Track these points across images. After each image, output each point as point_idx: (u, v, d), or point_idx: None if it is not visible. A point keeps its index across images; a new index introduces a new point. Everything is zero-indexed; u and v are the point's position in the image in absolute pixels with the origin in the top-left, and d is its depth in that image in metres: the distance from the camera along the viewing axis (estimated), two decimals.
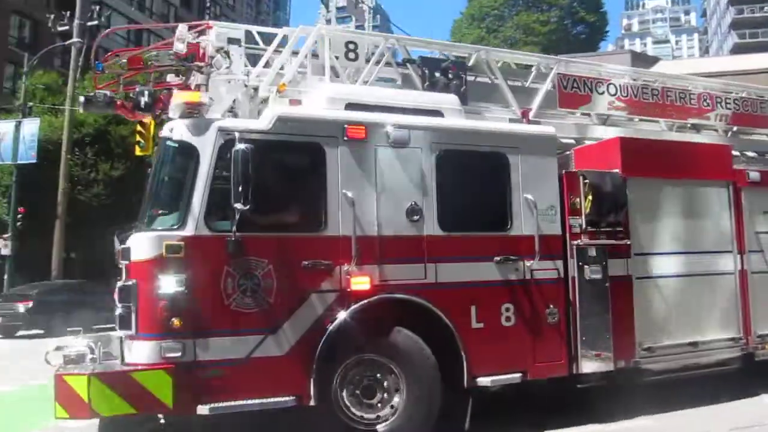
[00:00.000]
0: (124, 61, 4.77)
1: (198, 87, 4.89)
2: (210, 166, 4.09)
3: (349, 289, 4.39)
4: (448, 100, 5.26)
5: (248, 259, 4.16)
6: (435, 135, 4.85)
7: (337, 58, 5.53)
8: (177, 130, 4.20)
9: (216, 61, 4.83)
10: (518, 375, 5.27)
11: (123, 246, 4.18)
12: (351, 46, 5.53)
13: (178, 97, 4.27)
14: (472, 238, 4.84)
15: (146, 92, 4.61)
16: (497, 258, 5.20)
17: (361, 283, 4.41)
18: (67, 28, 19.83)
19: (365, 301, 4.41)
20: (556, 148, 5.66)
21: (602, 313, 5.28)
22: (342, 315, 4.36)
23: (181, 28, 4.74)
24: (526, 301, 5.01)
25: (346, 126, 4.54)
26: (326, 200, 4.39)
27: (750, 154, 7.27)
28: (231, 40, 5.13)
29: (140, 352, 3.88)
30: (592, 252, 5.29)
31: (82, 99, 4.65)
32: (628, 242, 5.44)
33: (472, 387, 4.71)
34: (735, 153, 6.95)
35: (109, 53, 5.11)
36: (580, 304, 5.21)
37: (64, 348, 4.14)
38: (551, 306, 5.07)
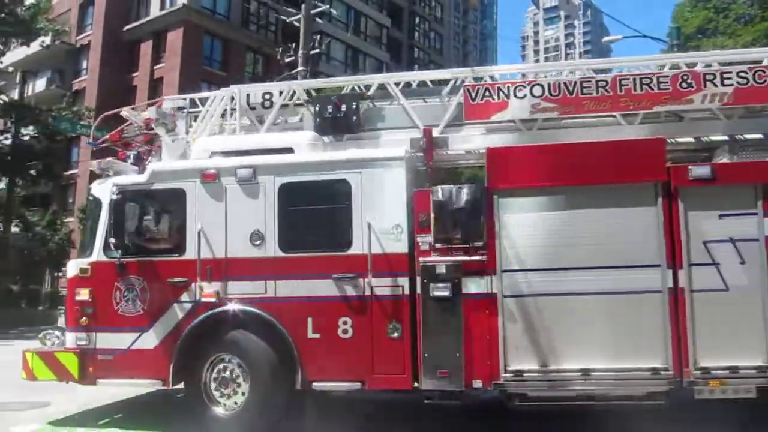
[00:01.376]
0: (107, 137, 7.20)
1: (156, 147, 6.97)
2: (106, 212, 6.16)
3: (201, 301, 6.04)
4: (300, 138, 6.38)
5: (130, 277, 6.17)
6: (277, 170, 6.10)
7: (253, 109, 7.03)
8: (93, 188, 6.43)
9: (158, 128, 6.92)
10: (357, 384, 5.81)
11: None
12: (267, 96, 7.03)
13: (93, 165, 6.48)
14: (310, 258, 5.93)
15: (132, 154, 6.86)
16: (335, 275, 5.74)
17: (209, 296, 6.00)
18: (293, 58, 22.07)
19: (212, 310, 6.01)
20: (405, 167, 6.01)
21: (451, 331, 5.69)
22: (194, 321, 6.04)
23: (126, 111, 7.00)
24: (365, 315, 5.86)
25: (201, 172, 6.19)
26: (185, 231, 6.11)
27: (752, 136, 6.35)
28: (179, 108, 7.15)
29: (67, 339, 6.21)
30: (441, 269, 5.72)
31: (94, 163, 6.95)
32: (485, 258, 5.67)
33: (307, 390, 5.83)
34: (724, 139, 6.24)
35: (102, 139, 7.46)
36: (424, 321, 5.77)
37: (46, 335, 6.71)
38: (394, 321, 5.78)
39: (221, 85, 36.37)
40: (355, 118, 6.30)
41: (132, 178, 5.98)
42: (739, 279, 5.05)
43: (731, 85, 5.75)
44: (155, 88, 34.91)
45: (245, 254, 5.65)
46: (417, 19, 52.19)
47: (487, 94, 6.07)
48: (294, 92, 6.60)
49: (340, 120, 6.20)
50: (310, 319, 5.51)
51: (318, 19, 22.73)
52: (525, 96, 6.00)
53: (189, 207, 5.78)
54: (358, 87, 6.54)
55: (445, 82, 6.56)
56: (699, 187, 5.13)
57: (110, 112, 6.83)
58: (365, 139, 6.18)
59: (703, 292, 5.09)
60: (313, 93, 6.66)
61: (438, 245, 5.39)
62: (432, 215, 5.33)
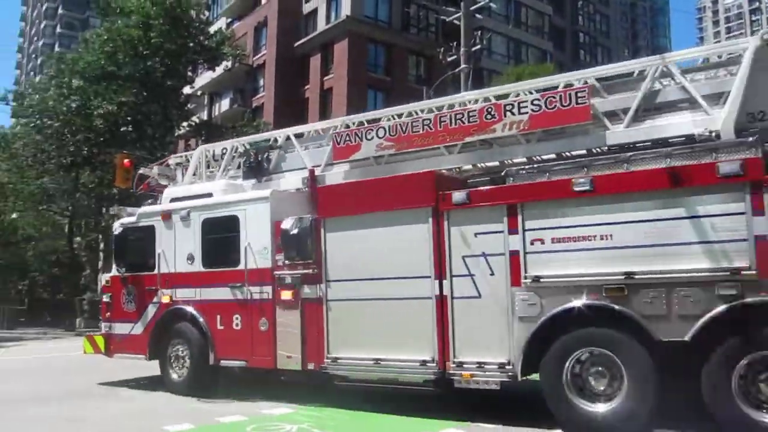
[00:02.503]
0: (141, 187, 11.02)
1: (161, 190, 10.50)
2: (114, 241, 9.90)
3: (161, 302, 9.54)
4: (216, 186, 9.43)
5: (128, 286, 9.90)
6: (200, 209, 9.28)
7: (216, 161, 9.81)
8: (114, 226, 10.23)
9: (161, 180, 10.57)
10: (243, 362, 8.07)
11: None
12: (223, 150, 10.19)
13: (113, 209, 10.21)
14: (218, 272, 8.98)
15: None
16: (230, 284, 8.17)
17: (165, 298, 9.43)
18: (455, 57, 21.64)
19: (167, 309, 9.47)
20: (270, 204, 8.23)
21: (295, 326, 8.34)
22: (159, 316, 9.56)
23: (142, 170, 10.78)
24: (247, 314, 8.69)
25: (161, 213, 9.69)
26: (155, 254, 9.67)
27: (545, 157, 7.19)
28: (177, 164, 10.76)
29: (101, 327, 10.12)
30: (288, 279, 8.39)
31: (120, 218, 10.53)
32: (315, 271, 8.17)
33: (217, 364, 8.44)
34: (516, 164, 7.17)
35: (142, 186, 11.28)
36: (278, 319, 8.48)
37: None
38: (263, 318, 8.59)
39: (387, 90, 38.38)
40: (265, 165, 8.81)
41: (129, 218, 9.30)
42: (489, 288, 6.46)
43: (527, 113, 7.05)
44: (325, 98, 37.65)
45: (184, 270, 8.57)
46: (580, 3, 49.91)
47: (347, 138, 8.13)
48: (237, 147, 9.21)
49: (255, 167, 8.79)
50: (218, 316, 8.19)
51: (477, 15, 22.66)
52: (372, 138, 7.92)
53: (156, 237, 8.92)
54: (274, 139, 8.95)
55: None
56: (459, 209, 6.62)
57: (142, 170, 10.27)
58: (274, 180, 8.60)
59: (461, 299, 6.59)
60: (248, 146, 9.23)
61: (287, 262, 7.70)
62: (281, 240, 7.45)
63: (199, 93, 40.36)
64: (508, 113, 6.78)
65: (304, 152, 8.32)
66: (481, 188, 6.26)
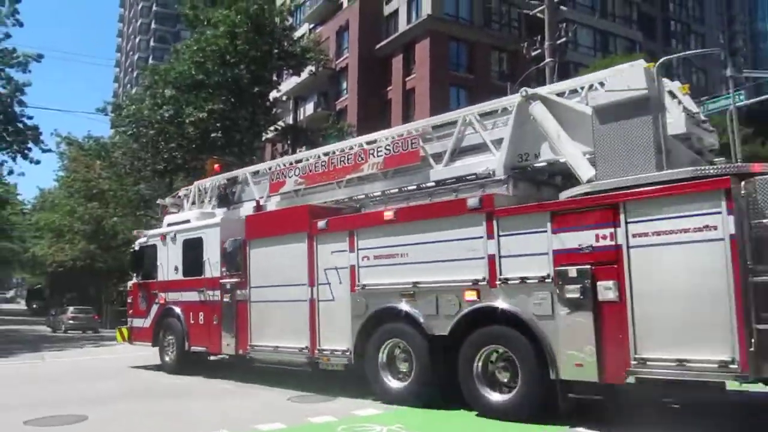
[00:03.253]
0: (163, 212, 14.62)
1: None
2: (134, 256, 13.20)
3: (160, 302, 13.03)
4: (192, 214, 12.73)
5: (142, 290, 13.56)
6: (181, 232, 12.61)
7: (206, 193, 12.81)
8: (134, 244, 13.83)
9: (172, 209, 14.11)
10: (204, 348, 10.93)
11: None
12: (210, 185, 13.26)
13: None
14: (191, 280, 12.28)
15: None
16: (197, 289, 11.57)
17: (161, 299, 12.92)
18: (539, 51, 20.93)
19: (163, 308, 12.92)
20: (219, 228, 11.05)
21: (231, 321, 11.45)
22: (157, 313, 13.05)
23: (159, 200, 14.41)
24: (208, 312, 11.91)
25: (159, 235, 13.20)
26: (157, 267, 13.20)
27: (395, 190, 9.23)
28: (184, 195, 14.27)
29: (128, 322, 13.73)
30: (227, 286, 11.50)
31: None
32: (243, 280, 11.16)
33: (191, 351, 11.50)
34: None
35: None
36: (223, 315, 11.60)
37: None
38: (215, 315, 11.77)
39: (470, 88, 39.06)
40: (230, 197, 11.88)
41: (142, 239, 12.76)
42: (339, 293, 8.98)
43: (382, 155, 9.49)
44: (408, 99, 37.76)
45: (173, 278, 11.82)
46: None
47: (278, 176, 11.00)
48: (218, 182, 12.23)
49: (224, 198, 11.91)
50: (191, 313, 11.36)
51: (562, 7, 21.99)
52: (292, 176, 10.73)
53: (158, 253, 12.33)
54: (239, 177, 11.87)
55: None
56: (322, 234, 9.21)
57: (160, 201, 13.78)
58: (239, 208, 11.51)
59: (323, 302, 9.17)
60: (225, 182, 12.29)
61: (227, 272, 10.71)
62: (223, 256, 10.34)
63: (284, 98, 41.53)
64: (371, 156, 9.05)
65: (255, 186, 11.08)
66: (334, 217, 8.57)
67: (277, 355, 9.05)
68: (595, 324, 5.90)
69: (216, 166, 14.65)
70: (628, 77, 6.02)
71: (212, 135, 30.60)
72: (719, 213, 5.28)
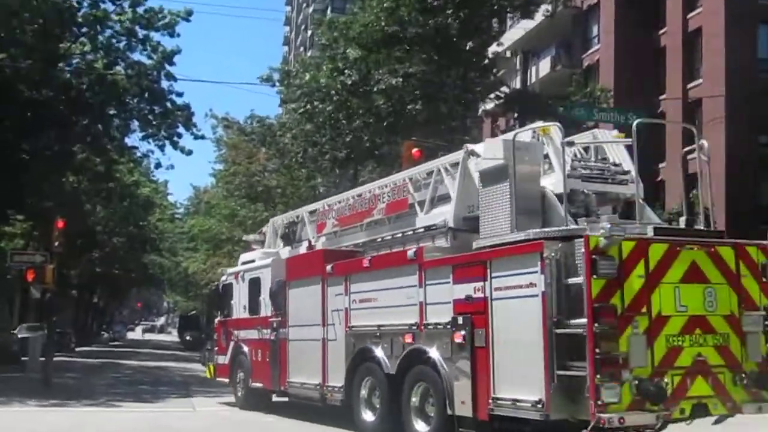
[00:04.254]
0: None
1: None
2: (216, 294, 21.07)
3: (233, 340, 20.11)
4: (257, 254, 19.62)
5: (223, 327, 20.87)
6: (247, 272, 19.63)
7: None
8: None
9: (255, 245, 21.21)
10: (260, 384, 18.11)
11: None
12: (283, 221, 20.26)
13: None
14: (253, 318, 19.14)
15: None
16: (257, 327, 18.04)
17: (234, 337, 20.05)
18: None
19: (236, 345, 19.91)
20: (270, 268, 17.43)
21: (276, 358, 17.99)
22: (232, 350, 20.15)
23: (245, 237, 21.67)
24: (264, 349, 18.57)
25: (233, 274, 20.34)
26: (233, 305, 20.32)
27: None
28: (265, 232, 21.28)
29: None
30: (274, 325, 18.00)
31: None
32: (283, 319, 17.65)
33: (252, 387, 18.54)
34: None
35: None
36: (271, 352, 18.15)
37: None
38: (268, 352, 18.46)
39: None
40: (291, 236, 18.36)
41: (224, 277, 19.96)
42: (339, 333, 14.80)
43: (385, 200, 15.12)
44: (691, 44, 38.33)
45: (243, 316, 18.77)
46: None
47: (320, 218, 17.18)
48: (283, 221, 19.17)
49: (287, 237, 18.45)
50: (253, 351, 18.13)
51: None
52: (330, 218, 16.84)
53: (233, 291, 19.38)
54: (299, 215, 18.36)
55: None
56: (329, 278, 15.16)
57: (248, 238, 21.02)
58: (299, 247, 17.93)
59: (330, 341, 15.04)
60: (289, 221, 18.89)
61: (273, 311, 17.13)
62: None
63: (508, 53, 41.13)
64: (379, 201, 14.59)
65: (309, 226, 17.18)
66: (337, 262, 14.20)
67: (303, 391, 14.83)
68: (471, 366, 10.58)
69: (415, 151, 18.73)
70: (493, 147, 10.45)
71: (409, 107, 31.36)
72: (536, 272, 9.54)
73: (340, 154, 34.54)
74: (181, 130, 36.18)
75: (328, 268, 14.84)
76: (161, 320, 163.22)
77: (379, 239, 14.90)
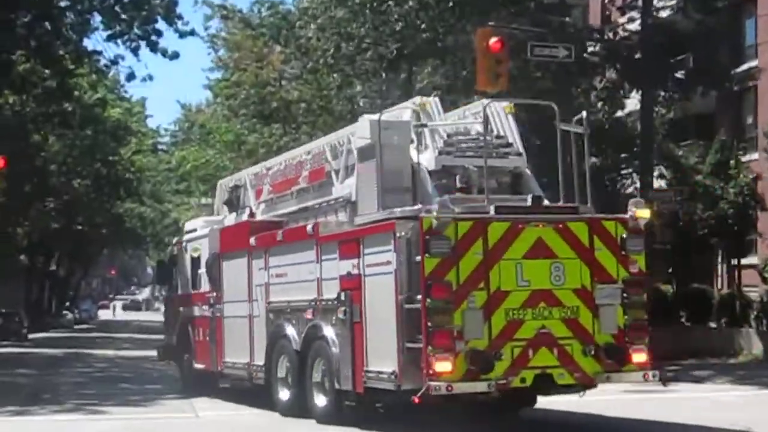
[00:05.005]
0: None
1: None
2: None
3: (182, 317, 24.76)
4: (199, 222, 24.25)
5: (170, 304, 25.57)
6: (188, 242, 24.15)
7: None
8: None
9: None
10: (204, 367, 22.74)
11: None
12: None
13: None
14: (194, 294, 23.75)
15: None
16: (196, 304, 23.61)
17: (183, 314, 24.69)
18: None
19: (181, 323, 24.62)
20: (208, 239, 22.03)
21: (213, 337, 22.50)
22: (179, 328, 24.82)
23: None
24: (203, 328, 23.29)
25: (176, 243, 24.90)
26: (179, 280, 24.94)
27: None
28: None
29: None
30: (210, 301, 22.64)
31: None
32: (218, 295, 22.17)
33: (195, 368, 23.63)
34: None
35: None
36: (210, 331, 22.75)
37: None
38: (207, 331, 23.03)
39: None
40: (234, 202, 22.78)
41: (169, 248, 24.77)
42: (261, 310, 19.31)
43: (308, 168, 19.32)
44: None
45: (185, 291, 23.39)
46: None
47: (257, 182, 21.57)
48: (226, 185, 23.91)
49: (230, 203, 22.93)
50: (195, 330, 22.71)
51: None
52: (266, 183, 21.20)
53: (178, 264, 24.09)
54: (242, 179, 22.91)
55: None
56: (254, 250, 19.65)
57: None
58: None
59: (255, 318, 19.63)
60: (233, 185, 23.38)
61: (210, 286, 21.64)
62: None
63: None
64: (303, 169, 18.76)
65: (250, 191, 21.46)
66: (259, 235, 18.49)
67: (235, 371, 19.31)
68: (351, 341, 14.99)
69: (493, 42, 19.33)
70: (363, 126, 14.35)
71: None
72: (390, 251, 13.56)
73: (387, 50, 33.53)
74: (160, 25, 35.43)
75: (251, 240, 19.15)
76: (145, 293, 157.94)
77: (305, 209, 18.93)
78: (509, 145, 16.17)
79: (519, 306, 13.92)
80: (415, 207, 14.59)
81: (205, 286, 22.01)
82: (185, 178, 67.98)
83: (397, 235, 14.12)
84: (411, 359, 13.91)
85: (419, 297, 13.78)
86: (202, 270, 22.15)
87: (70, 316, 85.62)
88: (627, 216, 14.55)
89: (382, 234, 14.60)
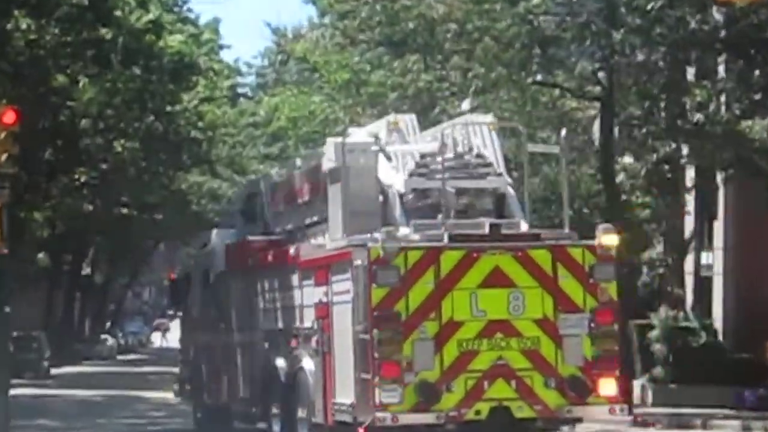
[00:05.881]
0: None
1: None
2: None
3: None
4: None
5: None
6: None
7: None
8: None
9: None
10: None
11: None
12: None
13: None
14: None
15: None
16: None
17: None
18: None
19: None
20: None
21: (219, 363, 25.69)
22: None
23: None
24: None
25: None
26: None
27: None
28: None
29: None
30: None
31: None
32: None
33: None
34: None
35: None
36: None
37: None
38: None
39: None
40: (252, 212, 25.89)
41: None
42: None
43: (307, 182, 22.33)
44: None
45: None
46: None
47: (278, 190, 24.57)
48: None
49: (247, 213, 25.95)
50: None
51: None
52: (279, 193, 24.15)
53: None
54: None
55: None
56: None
57: None
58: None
59: None
60: None
61: None
62: None
63: None
64: (305, 181, 21.68)
65: (267, 201, 24.52)
66: (257, 255, 22.03)
67: (239, 407, 22.41)
68: (322, 372, 17.73)
69: None
70: (330, 148, 17.03)
71: None
72: (349, 279, 16.21)
73: None
74: None
75: (250, 261, 22.15)
76: None
77: (309, 224, 22.14)
78: (488, 164, 19.19)
79: (473, 336, 17.35)
80: (375, 234, 17.25)
81: (213, 309, 24.71)
82: (279, 136, 58.75)
83: (354, 263, 17.63)
84: (364, 391, 17.45)
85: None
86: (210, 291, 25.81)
87: (111, 341, 74.03)
88: (594, 243, 16.78)
89: (342, 262, 19.05)
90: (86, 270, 68.45)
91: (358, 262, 15.78)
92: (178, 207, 62.04)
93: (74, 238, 60.55)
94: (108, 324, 78.99)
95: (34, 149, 37.18)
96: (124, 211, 56.63)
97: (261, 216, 24.38)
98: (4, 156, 21.05)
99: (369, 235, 16.12)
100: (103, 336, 72.56)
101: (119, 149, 48.28)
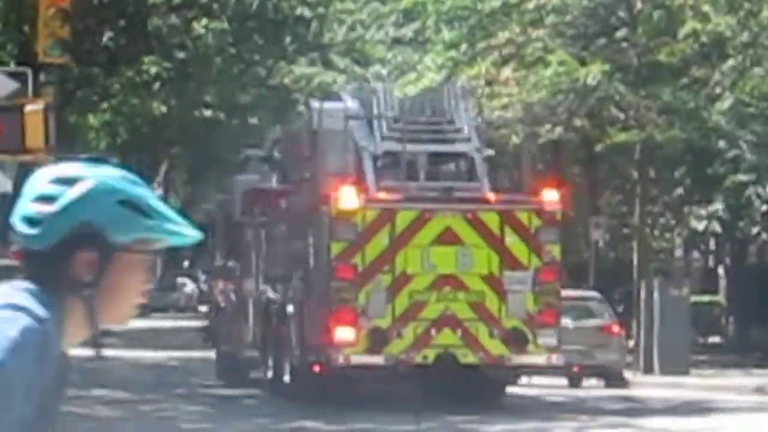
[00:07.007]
0: None
1: None
2: None
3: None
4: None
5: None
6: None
7: None
8: None
9: None
10: None
11: None
12: None
13: None
14: None
15: None
16: None
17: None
18: None
19: None
20: None
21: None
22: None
23: None
24: None
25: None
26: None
27: None
28: None
29: None
30: None
31: None
32: None
33: None
34: None
35: None
36: None
37: None
38: None
39: None
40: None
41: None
42: None
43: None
44: None
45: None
46: None
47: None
48: None
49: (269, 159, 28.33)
50: None
51: None
52: None
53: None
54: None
55: None
56: None
57: None
58: None
59: None
60: None
61: None
62: None
63: None
64: None
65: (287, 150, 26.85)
66: (263, 202, 23.73)
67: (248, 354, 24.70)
68: (301, 317, 19.42)
69: None
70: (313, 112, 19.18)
71: None
72: (317, 234, 18.36)
73: None
74: None
75: (257, 208, 24.35)
76: None
77: (305, 179, 24.10)
78: (458, 130, 20.41)
79: (424, 288, 19.19)
80: (339, 193, 19.50)
81: (231, 257, 26.53)
82: (413, 14, 43.99)
83: (319, 219, 18.86)
84: (322, 333, 19.09)
85: None
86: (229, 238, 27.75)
87: (190, 287, 64.00)
88: (541, 206, 18.81)
89: (312, 216, 19.63)
90: (158, 191, 54.59)
91: (322, 218, 18.58)
92: (280, 108, 46.62)
93: (141, 149, 51.71)
94: (185, 264, 67.69)
95: (90, 32, 32.25)
96: (208, 113, 47.56)
97: (281, 165, 25.52)
98: (50, 40, 17.80)
99: (335, 194, 18.49)
100: (179, 280, 63.44)
101: (201, 31, 39.47)
